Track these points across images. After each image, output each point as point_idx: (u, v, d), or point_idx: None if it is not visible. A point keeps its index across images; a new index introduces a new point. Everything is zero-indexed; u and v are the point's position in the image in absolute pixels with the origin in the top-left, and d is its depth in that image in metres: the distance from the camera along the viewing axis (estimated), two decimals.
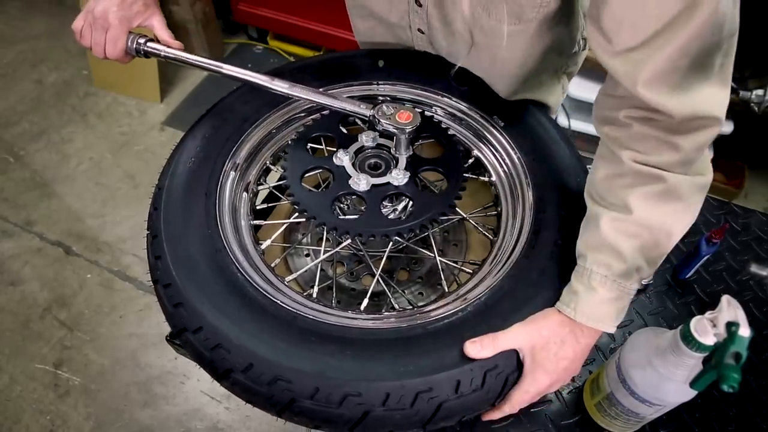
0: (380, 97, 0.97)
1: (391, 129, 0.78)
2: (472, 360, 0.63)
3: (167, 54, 0.83)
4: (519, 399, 0.67)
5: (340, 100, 0.80)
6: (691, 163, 0.64)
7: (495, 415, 0.70)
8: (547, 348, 0.65)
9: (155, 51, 0.83)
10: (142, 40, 0.83)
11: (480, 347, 0.64)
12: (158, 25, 0.84)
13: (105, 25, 0.80)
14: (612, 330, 0.67)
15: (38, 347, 1.92)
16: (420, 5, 0.86)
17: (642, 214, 0.64)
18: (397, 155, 0.83)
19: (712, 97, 0.60)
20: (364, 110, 0.80)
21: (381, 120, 0.78)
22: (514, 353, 0.65)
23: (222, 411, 1.77)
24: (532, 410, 0.83)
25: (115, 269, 2.12)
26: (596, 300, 0.66)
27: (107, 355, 1.91)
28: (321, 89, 0.93)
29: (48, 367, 1.88)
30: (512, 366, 0.65)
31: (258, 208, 0.93)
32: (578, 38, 0.91)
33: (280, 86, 0.81)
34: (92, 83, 2.77)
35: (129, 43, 0.83)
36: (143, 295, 2.04)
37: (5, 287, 2.07)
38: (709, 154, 0.67)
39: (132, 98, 2.70)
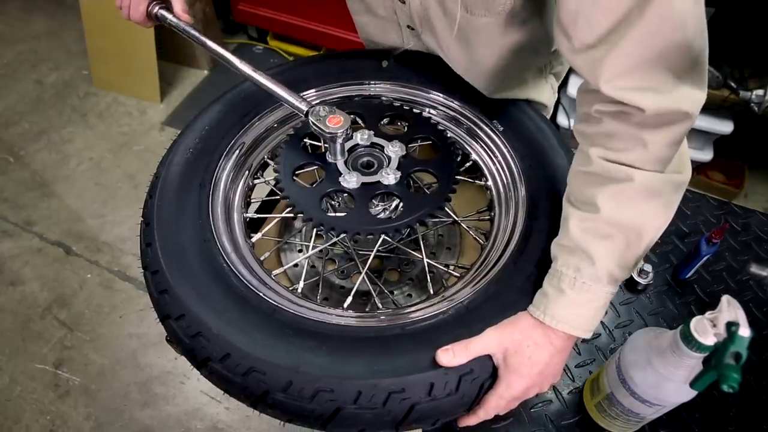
0: (381, 97, 0.97)
1: (320, 131, 0.78)
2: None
3: (171, 22, 0.89)
4: (494, 404, 0.66)
5: (284, 92, 0.82)
6: (665, 160, 0.63)
7: (470, 420, 0.68)
8: (519, 352, 0.64)
9: (164, 17, 0.89)
10: (157, 6, 0.89)
11: (452, 355, 0.63)
12: None
13: None
14: (585, 335, 0.66)
15: (38, 347, 1.92)
16: (402, 2, 0.86)
17: (610, 213, 0.63)
18: (389, 154, 0.83)
19: (685, 96, 0.60)
20: (300, 105, 0.80)
21: (313, 121, 0.78)
22: (489, 358, 0.65)
23: (222, 411, 1.77)
24: (531, 410, 0.83)
25: (115, 269, 2.12)
26: (565, 302, 0.64)
27: (107, 355, 1.91)
28: (316, 88, 0.95)
29: (48, 367, 1.88)
30: (488, 371, 0.65)
31: (261, 200, 0.93)
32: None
33: (244, 68, 0.84)
34: (92, 83, 2.77)
35: (149, 8, 0.89)
36: (143, 295, 2.04)
37: (5, 287, 2.07)
38: (686, 152, 0.67)
39: (132, 98, 2.71)
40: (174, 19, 0.88)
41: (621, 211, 0.63)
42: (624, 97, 0.60)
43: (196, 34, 0.87)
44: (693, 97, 0.61)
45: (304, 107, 0.80)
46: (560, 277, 0.65)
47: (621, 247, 0.64)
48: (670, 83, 0.59)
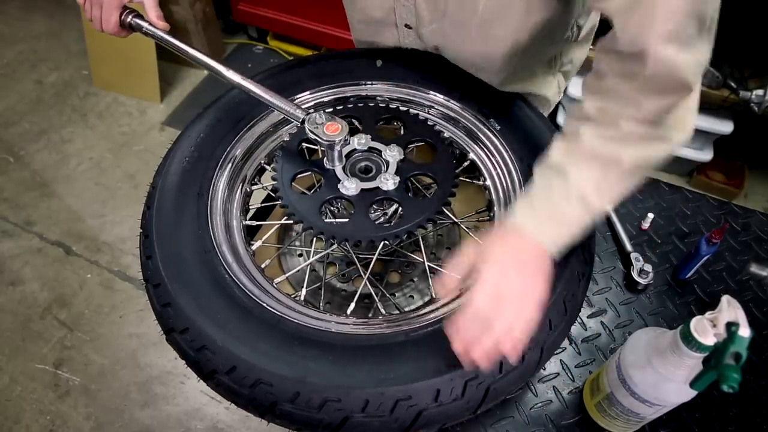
0: (376, 98, 0.97)
1: (317, 139, 0.77)
2: (453, 369, 0.63)
3: (147, 31, 0.86)
4: (460, 321, 0.62)
5: (278, 100, 0.80)
6: (653, 123, 0.64)
7: (455, 347, 0.63)
8: (486, 259, 0.64)
9: (138, 25, 0.86)
10: (130, 15, 0.86)
11: (442, 285, 0.64)
12: (149, 2, 0.87)
13: (99, 2, 0.85)
14: (547, 247, 0.65)
15: (38, 347, 1.92)
16: None
17: (591, 142, 0.65)
18: (387, 159, 0.82)
19: (700, 57, 0.61)
20: (296, 114, 0.79)
21: (310, 129, 0.77)
22: (497, 364, 0.65)
23: (222, 411, 1.78)
24: (531, 410, 0.84)
25: (115, 269, 2.12)
26: (532, 214, 0.67)
27: (107, 355, 1.91)
28: (311, 89, 0.94)
29: (48, 367, 1.88)
30: (493, 375, 0.65)
31: (258, 207, 0.93)
32: (572, 23, 0.91)
33: (232, 77, 0.82)
34: (92, 83, 2.77)
35: (122, 17, 0.86)
36: (143, 295, 2.02)
37: (5, 287, 2.07)
38: (688, 113, 0.67)
39: (132, 98, 2.71)
40: (150, 28, 0.85)
41: (602, 144, 0.65)
42: (652, 48, 0.59)
43: (175, 42, 0.84)
44: (705, 53, 0.61)
45: (300, 115, 0.79)
46: (534, 191, 0.68)
47: (598, 172, 0.65)
48: (695, 33, 0.59)
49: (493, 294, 0.61)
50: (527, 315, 0.61)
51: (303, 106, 0.80)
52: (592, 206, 0.65)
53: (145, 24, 0.86)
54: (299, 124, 0.79)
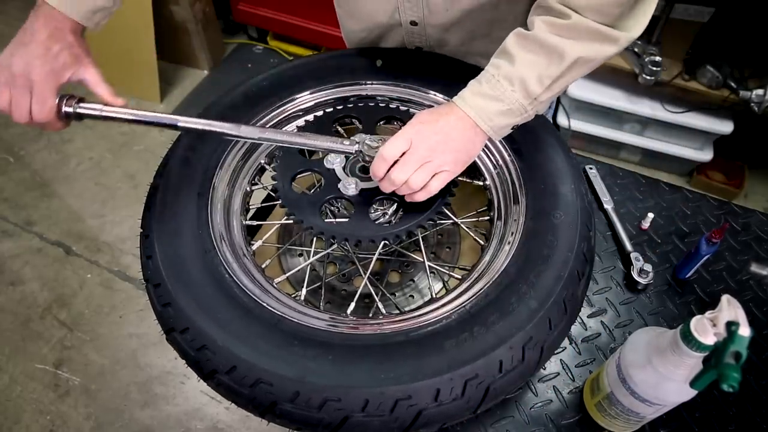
0: (376, 98, 0.97)
1: (372, 160, 0.75)
2: (454, 368, 0.62)
3: (107, 114, 0.72)
4: (387, 148, 0.70)
5: (320, 140, 0.76)
6: (607, 15, 0.68)
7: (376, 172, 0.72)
8: (421, 118, 0.72)
9: (90, 112, 0.72)
10: (73, 100, 0.72)
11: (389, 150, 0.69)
12: (93, 79, 0.74)
13: (27, 84, 0.68)
14: (481, 123, 0.70)
15: (38, 347, 1.92)
16: None
17: (539, 34, 0.69)
18: None
19: None
20: (348, 147, 0.76)
21: (367, 154, 0.75)
22: (497, 363, 0.65)
23: (222, 411, 1.78)
24: (531, 410, 0.84)
25: (115, 269, 2.12)
26: (477, 91, 0.71)
27: (107, 355, 1.91)
28: (311, 89, 0.93)
29: (48, 367, 1.88)
30: (493, 375, 0.65)
31: (258, 207, 0.93)
32: None
33: (248, 133, 0.75)
34: None
35: (61, 105, 0.70)
36: (143, 295, 2.04)
37: (5, 287, 2.07)
38: (643, 13, 0.70)
39: (132, 98, 2.70)
40: (107, 109, 0.72)
41: (549, 35, 0.69)
42: None
43: (156, 116, 0.72)
44: None
45: (352, 149, 0.76)
46: (484, 74, 0.72)
47: (542, 63, 0.69)
48: None
49: (406, 142, 0.69)
50: (447, 160, 0.70)
51: (346, 142, 0.76)
52: (531, 92, 0.69)
53: (99, 106, 0.72)
54: (353, 154, 0.77)
